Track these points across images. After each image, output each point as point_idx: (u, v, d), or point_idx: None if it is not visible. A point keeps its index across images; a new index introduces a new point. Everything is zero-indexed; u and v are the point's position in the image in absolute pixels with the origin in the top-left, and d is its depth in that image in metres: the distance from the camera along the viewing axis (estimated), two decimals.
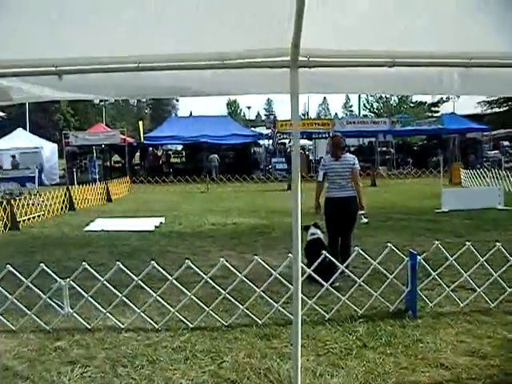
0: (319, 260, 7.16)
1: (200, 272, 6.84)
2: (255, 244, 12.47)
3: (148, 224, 15.65)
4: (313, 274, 7.09)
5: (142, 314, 6.77)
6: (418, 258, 6.97)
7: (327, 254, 7.26)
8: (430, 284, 7.68)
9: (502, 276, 7.54)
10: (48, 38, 3.92)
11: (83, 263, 6.68)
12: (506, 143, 40.29)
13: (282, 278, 6.86)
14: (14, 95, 4.51)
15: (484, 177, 24.43)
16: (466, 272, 7.32)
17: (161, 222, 16.14)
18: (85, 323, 6.73)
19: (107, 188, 23.94)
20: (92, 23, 3.79)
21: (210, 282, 6.83)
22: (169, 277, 6.74)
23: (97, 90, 4.66)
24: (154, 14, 3.71)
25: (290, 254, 6.56)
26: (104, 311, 6.77)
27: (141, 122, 38.00)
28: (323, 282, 7.04)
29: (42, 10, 3.61)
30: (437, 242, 7.33)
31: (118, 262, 6.66)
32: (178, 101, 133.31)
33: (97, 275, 6.73)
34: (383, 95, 59.27)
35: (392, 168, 37.73)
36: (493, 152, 39.06)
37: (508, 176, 21.38)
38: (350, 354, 5.77)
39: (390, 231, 13.58)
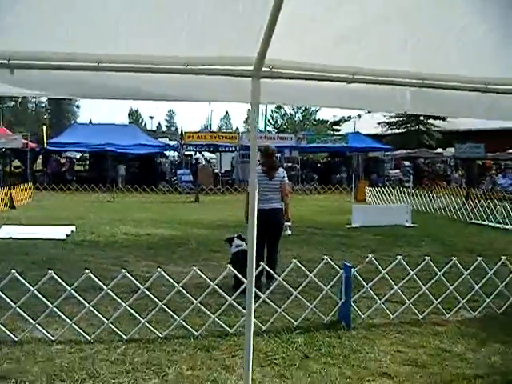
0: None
1: (136, 282, 6.67)
2: (173, 255, 12.29)
3: (58, 232, 15.05)
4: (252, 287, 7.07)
5: (73, 325, 6.49)
6: (352, 270, 7.13)
7: (265, 266, 7.29)
8: (357, 296, 7.84)
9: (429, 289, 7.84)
10: (1, 28, 3.70)
11: (12, 271, 6.34)
12: (406, 163, 42.05)
13: (219, 289, 6.83)
14: None
15: (387, 194, 25.40)
16: (396, 285, 7.56)
17: (72, 231, 15.58)
18: (11, 335, 6.36)
19: (10, 194, 22.85)
20: (53, 16, 3.62)
21: (147, 292, 6.68)
22: (104, 286, 6.52)
23: (54, 87, 4.46)
24: (118, 13, 3.60)
25: (194, 267, 6.82)
26: (33, 322, 6.43)
27: (45, 127, 36.71)
28: (260, 294, 7.03)
29: None
30: (370, 256, 7.54)
31: (50, 271, 6.39)
32: (78, 107, 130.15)
33: (27, 284, 6.41)
34: (289, 111, 60.62)
35: (297, 183, 38.40)
36: (394, 171, 40.68)
37: (414, 194, 22.34)
38: (293, 364, 5.81)
39: (305, 245, 13.80)
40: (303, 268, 7.29)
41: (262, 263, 7.31)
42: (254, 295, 4.72)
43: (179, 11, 3.63)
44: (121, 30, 3.78)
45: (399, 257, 7.64)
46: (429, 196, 24.36)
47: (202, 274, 6.86)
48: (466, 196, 26.80)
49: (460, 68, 4.57)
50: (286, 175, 9.20)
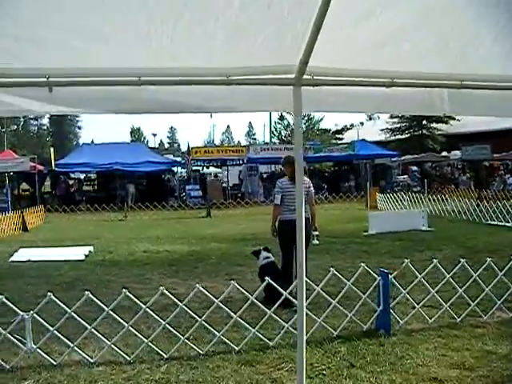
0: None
1: (175, 299, 6.61)
2: (196, 270, 12.24)
3: (77, 253, 15.01)
4: (289, 296, 7.05)
5: (112, 346, 6.41)
6: (390, 276, 7.06)
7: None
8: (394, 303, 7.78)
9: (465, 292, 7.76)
10: (40, 46, 3.65)
11: (49, 294, 6.29)
12: (414, 168, 42.03)
13: (258, 303, 6.78)
14: None
15: (398, 200, 25.35)
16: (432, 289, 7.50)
17: (90, 251, 15.53)
18: (50, 359, 6.28)
19: (23, 217, 22.83)
20: (92, 32, 3.58)
21: (186, 309, 6.62)
22: (142, 305, 6.46)
23: (93, 104, 4.37)
24: (159, 26, 3.56)
25: (231, 281, 6.78)
26: (71, 345, 6.35)
27: (52, 149, 36.78)
28: (295, 301, 6.94)
29: (35, 12, 3.34)
30: (406, 261, 7.47)
31: (86, 292, 6.32)
32: (80, 128, 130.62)
33: (64, 307, 6.35)
34: (292, 122, 60.41)
35: None
36: (402, 177, 40.65)
37: (425, 199, 22.19)
38: (341, 374, 5.73)
39: (326, 254, 13.70)
40: (341, 276, 7.23)
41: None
42: (304, 310, 4.65)
43: (220, 22, 3.60)
44: (161, 43, 3.74)
45: (435, 260, 7.58)
46: (441, 200, 24.32)
47: (240, 288, 6.79)
48: (477, 197, 26.73)
49: (497, 67, 4.53)
50: (311, 184, 9.14)
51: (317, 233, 9.46)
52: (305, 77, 4.29)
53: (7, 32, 3.46)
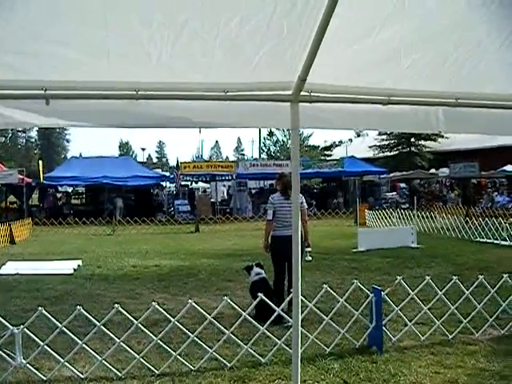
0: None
1: (167, 315, 6.56)
2: (186, 286, 12.15)
3: (65, 267, 14.87)
4: (282, 313, 7.05)
5: (103, 361, 6.34)
6: (382, 293, 7.06)
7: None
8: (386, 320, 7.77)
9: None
10: (37, 58, 3.64)
11: (39, 308, 6.22)
12: (402, 185, 42.21)
13: (251, 319, 6.75)
14: None
15: (387, 217, 25.44)
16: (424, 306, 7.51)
17: (78, 265, 15.41)
18: (40, 374, 6.19)
19: (10, 229, 22.67)
20: (89, 45, 3.58)
21: (178, 324, 6.57)
22: (134, 320, 6.41)
23: (90, 117, 4.33)
24: (156, 41, 3.57)
25: (224, 297, 6.73)
26: (61, 360, 6.28)
27: (41, 162, 36.60)
28: (290, 321, 6.91)
29: (34, 25, 3.34)
30: (399, 278, 7.48)
31: (78, 307, 6.26)
32: (68, 142, 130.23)
33: (55, 321, 6.28)
34: (281, 138, 60.75)
35: None
36: (390, 194, 40.77)
37: (413, 216, 22.22)
38: None
39: (316, 270, 13.64)
40: (334, 293, 7.22)
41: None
42: (300, 327, 4.63)
43: (219, 38, 3.62)
44: (160, 58, 3.74)
45: (427, 277, 7.59)
46: (429, 217, 24.43)
47: (234, 305, 6.77)
48: (466, 215, 26.86)
49: (493, 85, 4.58)
50: (304, 200, 9.12)
51: (309, 249, 9.43)
52: (302, 93, 4.31)
53: (5, 44, 3.45)
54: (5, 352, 6.21)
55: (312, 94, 4.35)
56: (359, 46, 3.91)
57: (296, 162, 4.63)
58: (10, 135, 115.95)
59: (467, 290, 7.67)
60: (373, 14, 3.60)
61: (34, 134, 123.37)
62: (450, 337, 7.44)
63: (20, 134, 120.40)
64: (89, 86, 3.93)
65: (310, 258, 13.77)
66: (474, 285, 7.76)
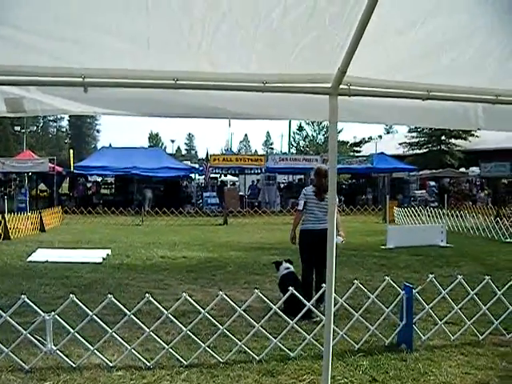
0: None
1: (198, 306, 6.57)
2: (214, 278, 12.17)
3: (95, 256, 15.04)
4: (312, 307, 7.02)
5: (132, 350, 6.37)
6: (414, 291, 6.99)
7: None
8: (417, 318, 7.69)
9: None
10: (77, 45, 3.65)
11: (71, 295, 6.26)
12: (432, 183, 41.80)
13: (281, 313, 6.73)
14: (28, 107, 4.10)
15: (416, 215, 25.21)
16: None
17: (107, 254, 15.55)
18: (69, 361, 6.24)
19: (41, 218, 22.97)
20: (128, 33, 3.57)
21: (208, 316, 6.56)
22: (164, 310, 6.43)
23: (128, 106, 4.32)
24: (197, 30, 3.54)
25: (255, 290, 6.70)
26: (91, 348, 6.32)
27: (72, 151, 37.06)
28: (322, 317, 6.88)
29: (76, 12, 3.34)
30: (431, 276, 7.40)
31: (109, 295, 6.29)
32: (98, 132, 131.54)
33: (86, 309, 6.32)
34: (311, 133, 60.47)
35: None
36: (419, 191, 40.41)
37: (442, 214, 22.01)
38: None
39: (345, 267, 13.53)
40: (365, 289, 7.16)
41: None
42: (332, 323, 4.59)
43: (260, 29, 3.58)
44: (200, 48, 3.72)
45: (459, 277, 7.48)
46: (459, 215, 24.12)
47: (264, 298, 6.75)
48: (496, 215, 26.49)
49: None
50: (336, 197, 9.05)
51: (342, 239, 9.23)
52: (341, 86, 4.25)
53: (46, 31, 3.46)
54: (35, 338, 6.28)
55: (351, 87, 4.30)
56: (400, 40, 3.85)
57: (333, 156, 4.57)
58: (42, 124, 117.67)
59: (500, 291, 7.54)
60: (415, 8, 3.53)
61: (64, 123, 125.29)
62: (481, 337, 7.32)
63: (51, 123, 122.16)
64: (127, 74, 3.92)
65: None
66: (507, 286, 7.61)
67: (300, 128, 62.07)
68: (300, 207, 9.03)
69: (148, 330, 6.42)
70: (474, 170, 42.76)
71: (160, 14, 3.39)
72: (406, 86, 4.35)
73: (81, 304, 6.35)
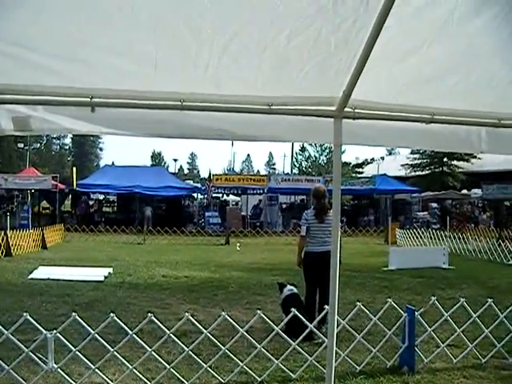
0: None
1: (200, 326, 6.56)
2: (215, 298, 12.14)
3: (96, 274, 15.02)
4: (314, 329, 7.00)
5: (134, 370, 6.35)
6: (416, 313, 6.98)
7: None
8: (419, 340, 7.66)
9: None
10: (85, 66, 3.69)
11: (73, 314, 6.26)
12: (434, 205, 41.81)
13: (283, 334, 6.71)
14: (35, 125, 4.13)
15: (417, 236, 25.21)
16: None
17: (109, 273, 15.53)
18: (70, 380, 6.21)
19: (43, 235, 22.99)
20: (137, 54, 3.61)
21: (210, 336, 6.55)
22: (166, 330, 6.42)
23: (134, 126, 4.35)
24: (204, 53, 3.59)
25: (257, 311, 6.70)
26: (92, 367, 6.29)
27: (74, 169, 37.18)
28: (324, 339, 6.85)
29: (83, 32, 3.38)
30: (433, 298, 7.38)
31: (111, 314, 6.28)
32: (101, 150, 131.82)
33: (88, 328, 6.31)
34: (313, 154, 60.55)
35: None
36: (421, 213, 40.40)
37: (444, 236, 22.08)
38: None
39: (346, 288, 13.45)
40: (367, 311, 7.15)
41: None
42: (334, 345, 4.58)
43: (267, 52, 3.63)
44: (207, 70, 3.76)
45: (462, 299, 7.46)
46: (461, 238, 24.08)
47: (266, 319, 6.74)
48: (498, 237, 26.45)
49: None
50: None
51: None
52: (346, 109, 4.29)
53: (55, 51, 3.50)
54: (37, 356, 6.27)
55: (356, 110, 4.33)
56: (404, 64, 3.90)
57: (337, 178, 4.59)
58: (45, 141, 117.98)
59: (503, 314, 7.52)
60: (419, 33, 3.58)
61: (68, 141, 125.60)
62: (483, 360, 7.29)
63: (54, 140, 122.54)
64: (134, 95, 3.95)
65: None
66: (509, 309, 7.59)
67: (302, 149, 62.09)
68: (303, 233, 9.06)
69: (149, 350, 6.40)
70: (476, 191, 42.72)
71: (168, 35, 3.44)
72: (409, 110, 4.39)
73: (82, 322, 6.33)
